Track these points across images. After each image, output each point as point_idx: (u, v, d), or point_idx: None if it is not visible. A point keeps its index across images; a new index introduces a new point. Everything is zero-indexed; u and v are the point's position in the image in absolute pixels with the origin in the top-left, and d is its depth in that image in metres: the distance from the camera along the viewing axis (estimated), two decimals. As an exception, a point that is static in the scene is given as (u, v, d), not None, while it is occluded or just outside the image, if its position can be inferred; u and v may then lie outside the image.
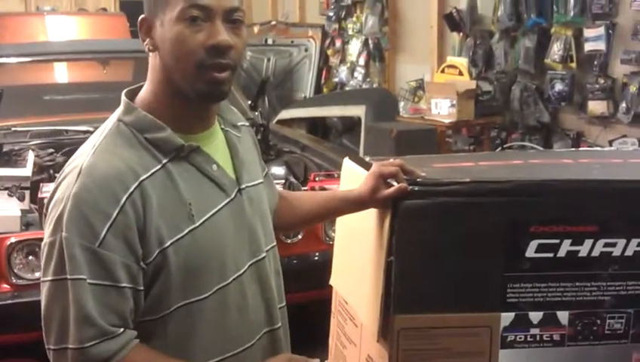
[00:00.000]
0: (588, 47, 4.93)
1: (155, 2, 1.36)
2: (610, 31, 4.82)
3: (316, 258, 3.24)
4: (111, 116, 1.41)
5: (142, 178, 1.31)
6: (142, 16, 1.39)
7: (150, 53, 1.39)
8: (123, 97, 1.42)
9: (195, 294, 1.37)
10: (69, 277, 1.26)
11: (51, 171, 3.40)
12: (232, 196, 1.43)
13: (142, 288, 1.32)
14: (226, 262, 1.41)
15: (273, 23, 8.11)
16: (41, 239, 1.34)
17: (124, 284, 1.29)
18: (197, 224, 1.36)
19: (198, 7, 1.32)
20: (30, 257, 2.87)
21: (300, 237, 3.18)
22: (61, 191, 1.32)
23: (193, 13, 1.32)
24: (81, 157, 1.34)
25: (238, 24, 1.36)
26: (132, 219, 1.29)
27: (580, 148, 4.58)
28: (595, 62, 4.92)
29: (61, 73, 4.93)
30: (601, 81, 4.89)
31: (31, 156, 3.44)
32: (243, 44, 1.38)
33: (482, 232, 1.45)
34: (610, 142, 4.76)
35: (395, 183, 1.49)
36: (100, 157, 1.32)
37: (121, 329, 1.29)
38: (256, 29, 8.12)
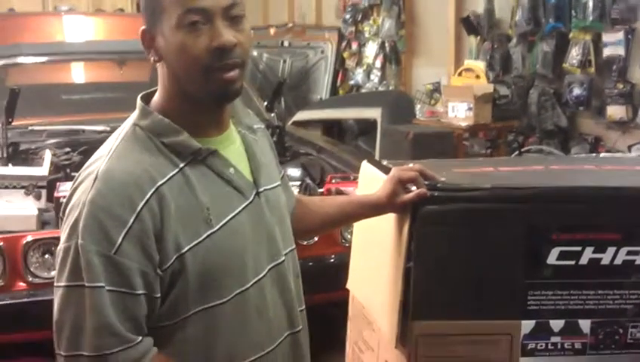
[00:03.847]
0: (606, 52, 4.90)
1: (152, 13, 1.33)
2: (630, 36, 4.78)
3: (332, 260, 3.23)
4: (127, 120, 1.40)
5: (159, 183, 1.30)
6: (142, 27, 1.36)
7: (157, 64, 1.37)
8: (138, 101, 1.40)
9: (213, 299, 1.35)
10: (86, 284, 1.25)
11: (68, 170, 3.41)
12: (251, 199, 1.42)
13: (158, 295, 1.30)
14: (245, 266, 1.39)
15: (290, 25, 8.11)
16: (58, 238, 1.33)
17: (140, 291, 1.27)
18: (215, 228, 1.34)
19: (195, 10, 1.29)
20: (46, 256, 2.87)
21: (316, 239, 3.17)
22: (77, 197, 1.31)
23: (192, 19, 1.29)
24: (98, 162, 1.33)
25: (239, 19, 1.34)
26: (149, 226, 1.27)
27: (601, 154, 4.54)
28: (614, 67, 4.88)
29: (78, 73, 4.94)
30: (620, 86, 4.84)
31: (48, 155, 3.45)
32: (247, 37, 1.35)
33: (503, 239, 1.44)
34: (630, 148, 4.72)
35: (414, 188, 1.47)
36: (116, 163, 1.31)
37: (140, 338, 1.28)
38: (272, 31, 8.11)
